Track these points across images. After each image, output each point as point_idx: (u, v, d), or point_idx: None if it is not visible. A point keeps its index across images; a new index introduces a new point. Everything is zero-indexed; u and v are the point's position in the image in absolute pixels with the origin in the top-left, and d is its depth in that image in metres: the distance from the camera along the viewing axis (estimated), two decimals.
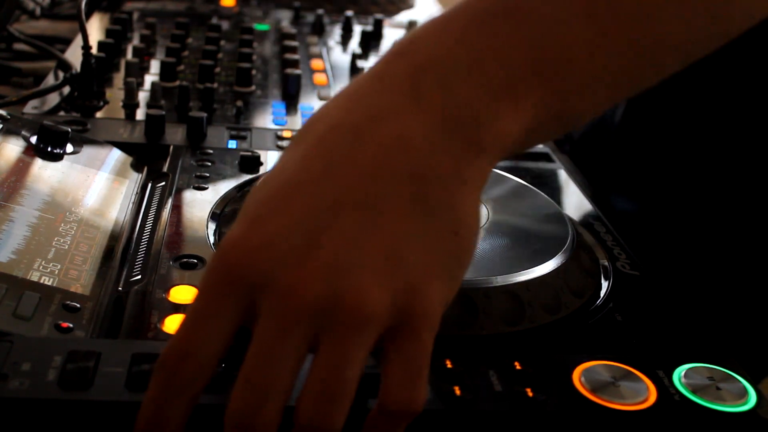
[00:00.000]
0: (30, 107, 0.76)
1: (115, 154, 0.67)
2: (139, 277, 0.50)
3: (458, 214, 0.38)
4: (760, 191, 0.77)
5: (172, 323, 0.45)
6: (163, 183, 0.64)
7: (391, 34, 1.13)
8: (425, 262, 0.36)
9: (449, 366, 0.43)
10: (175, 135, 0.72)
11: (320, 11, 1.14)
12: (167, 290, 0.48)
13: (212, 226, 0.56)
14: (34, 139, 0.62)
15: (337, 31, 1.13)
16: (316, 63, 0.98)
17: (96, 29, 1.02)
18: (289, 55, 0.95)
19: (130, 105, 0.78)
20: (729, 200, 0.80)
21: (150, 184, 0.64)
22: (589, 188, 0.71)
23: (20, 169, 0.58)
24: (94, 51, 0.82)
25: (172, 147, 0.70)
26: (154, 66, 0.91)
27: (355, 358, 0.35)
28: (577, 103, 0.41)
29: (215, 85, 0.83)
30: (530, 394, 0.42)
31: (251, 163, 0.66)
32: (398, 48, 0.40)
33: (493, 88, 0.39)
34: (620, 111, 0.88)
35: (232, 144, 0.72)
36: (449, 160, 0.38)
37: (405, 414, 0.36)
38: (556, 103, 0.40)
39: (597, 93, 0.42)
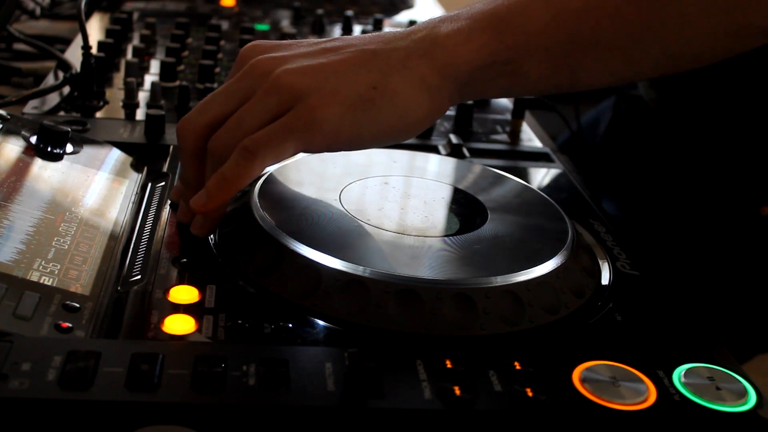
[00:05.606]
0: (30, 107, 0.76)
1: (115, 154, 0.67)
2: (139, 277, 0.50)
3: (385, 79, 0.51)
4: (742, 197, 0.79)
5: (171, 323, 0.45)
6: (163, 183, 0.64)
7: None
8: (337, 88, 0.50)
9: (449, 366, 0.43)
10: (175, 135, 0.72)
11: (320, 11, 1.14)
12: (167, 290, 0.48)
13: None
14: (34, 139, 0.62)
15: (337, 31, 1.13)
16: None
17: (96, 29, 1.02)
18: None
19: (130, 105, 0.78)
20: (712, 202, 0.81)
21: (150, 184, 0.64)
22: (588, 188, 0.71)
23: (20, 169, 0.58)
24: (94, 51, 0.81)
25: (172, 147, 0.70)
26: (154, 66, 0.91)
27: (259, 113, 0.51)
28: (523, 63, 0.53)
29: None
30: (530, 394, 0.42)
31: None
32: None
33: (456, 28, 0.53)
34: (604, 124, 0.89)
35: None
36: (403, 51, 0.52)
37: (246, 150, 0.49)
38: (504, 52, 0.52)
39: (540, 63, 0.53)
